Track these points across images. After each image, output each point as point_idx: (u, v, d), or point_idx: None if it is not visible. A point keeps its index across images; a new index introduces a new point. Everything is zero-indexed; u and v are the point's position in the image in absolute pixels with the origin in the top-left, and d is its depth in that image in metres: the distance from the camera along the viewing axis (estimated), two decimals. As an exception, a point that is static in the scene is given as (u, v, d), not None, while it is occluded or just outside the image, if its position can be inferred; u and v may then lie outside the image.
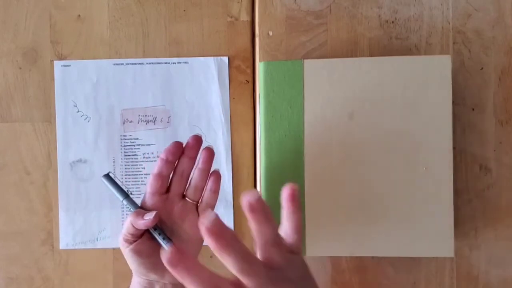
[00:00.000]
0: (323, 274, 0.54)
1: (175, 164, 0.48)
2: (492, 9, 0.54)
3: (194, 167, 0.48)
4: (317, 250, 0.50)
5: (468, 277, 0.54)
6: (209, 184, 0.48)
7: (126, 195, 0.48)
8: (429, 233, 0.49)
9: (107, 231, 0.55)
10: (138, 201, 0.48)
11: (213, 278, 0.34)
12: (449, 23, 0.54)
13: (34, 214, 0.55)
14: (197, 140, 0.48)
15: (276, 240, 0.37)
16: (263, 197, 0.51)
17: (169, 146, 0.47)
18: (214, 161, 0.55)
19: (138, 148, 0.55)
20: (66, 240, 0.55)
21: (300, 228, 0.41)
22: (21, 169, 0.55)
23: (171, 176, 0.48)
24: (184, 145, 0.48)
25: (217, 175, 0.49)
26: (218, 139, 0.55)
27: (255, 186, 0.55)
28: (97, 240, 0.55)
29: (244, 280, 0.34)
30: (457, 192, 0.53)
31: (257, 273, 0.35)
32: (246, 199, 0.36)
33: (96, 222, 0.55)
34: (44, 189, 0.55)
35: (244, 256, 0.34)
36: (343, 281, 0.54)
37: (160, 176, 0.46)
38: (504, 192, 0.54)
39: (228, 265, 0.34)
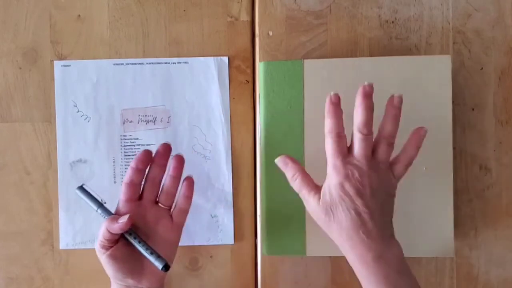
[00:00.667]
0: (323, 274, 0.54)
1: (147, 172, 0.49)
2: (492, 9, 0.54)
3: (166, 173, 0.50)
4: (317, 250, 0.50)
5: (468, 277, 0.54)
6: (182, 189, 0.50)
7: (100, 204, 0.49)
8: (429, 233, 0.49)
9: (107, 231, 0.55)
10: (113, 210, 0.49)
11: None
12: (449, 23, 0.54)
13: (34, 214, 0.55)
14: (166, 148, 0.50)
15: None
16: (264, 196, 0.51)
17: (138, 155, 0.48)
18: (214, 161, 0.55)
19: (138, 148, 0.55)
20: (66, 240, 0.55)
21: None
22: (21, 169, 0.55)
23: (143, 183, 0.49)
24: (153, 153, 0.50)
25: (190, 181, 0.50)
26: (218, 139, 0.55)
27: (255, 186, 0.55)
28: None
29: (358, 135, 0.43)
30: (457, 192, 0.53)
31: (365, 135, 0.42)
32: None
33: (96, 222, 0.55)
34: (44, 189, 0.55)
35: (369, 116, 0.43)
36: (343, 281, 0.54)
37: (132, 184, 0.48)
38: (504, 192, 0.54)
39: (357, 117, 0.43)
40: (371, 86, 0.43)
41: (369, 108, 0.42)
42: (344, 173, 0.42)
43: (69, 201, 0.55)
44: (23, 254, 0.55)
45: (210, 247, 0.56)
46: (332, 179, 0.43)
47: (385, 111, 0.44)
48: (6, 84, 0.55)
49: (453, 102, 0.49)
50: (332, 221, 0.43)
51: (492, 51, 0.54)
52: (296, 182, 0.45)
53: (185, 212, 0.50)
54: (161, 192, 0.50)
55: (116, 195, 0.55)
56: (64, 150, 0.55)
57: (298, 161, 0.47)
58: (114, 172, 0.55)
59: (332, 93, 0.44)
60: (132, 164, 0.48)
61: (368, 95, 0.43)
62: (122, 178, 0.55)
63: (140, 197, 0.50)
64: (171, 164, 0.50)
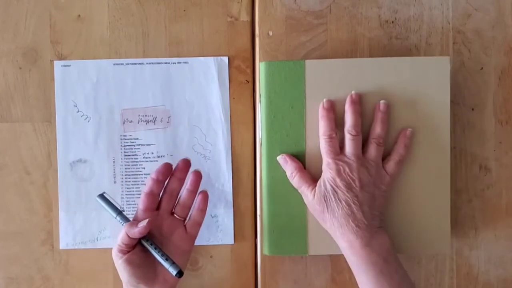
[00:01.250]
0: (323, 273, 0.54)
1: (165, 184, 0.51)
2: (492, 9, 0.54)
3: (183, 187, 0.52)
4: (318, 249, 0.50)
5: (468, 277, 0.54)
6: (197, 203, 0.52)
7: (119, 211, 0.51)
8: (427, 230, 0.50)
9: (107, 231, 0.55)
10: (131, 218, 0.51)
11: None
12: (449, 23, 0.54)
13: (34, 214, 0.55)
14: (186, 163, 0.53)
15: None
16: (264, 196, 0.51)
17: (159, 167, 0.50)
18: (214, 161, 0.55)
19: (138, 148, 0.55)
20: (66, 240, 0.55)
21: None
22: (21, 169, 0.55)
23: (161, 194, 0.51)
24: (173, 167, 0.52)
25: (205, 195, 0.52)
26: (218, 139, 0.55)
27: (255, 186, 0.55)
28: (97, 240, 0.55)
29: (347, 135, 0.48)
30: (457, 192, 0.54)
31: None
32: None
33: (96, 222, 0.55)
34: (44, 189, 0.55)
35: (357, 119, 0.48)
36: (343, 280, 0.54)
37: (151, 194, 0.50)
38: (504, 192, 0.54)
39: (347, 121, 0.48)
40: (357, 95, 0.48)
41: (357, 113, 0.48)
42: (336, 169, 0.47)
43: (69, 201, 0.55)
44: (23, 254, 0.55)
45: (210, 247, 0.56)
46: (326, 174, 0.47)
47: (374, 116, 0.49)
48: (6, 84, 0.55)
49: (453, 102, 0.49)
50: (325, 211, 0.47)
51: (492, 51, 0.54)
52: (295, 179, 0.49)
53: (198, 224, 0.52)
54: (177, 204, 0.52)
55: (116, 195, 0.55)
56: (64, 150, 0.55)
57: (297, 160, 0.49)
58: (114, 172, 0.55)
59: (324, 100, 0.49)
60: (153, 175, 0.50)
61: (355, 102, 0.48)
62: (122, 178, 0.55)
63: (158, 207, 0.51)
64: (189, 178, 0.52)
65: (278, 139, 0.50)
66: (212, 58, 0.55)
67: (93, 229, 0.55)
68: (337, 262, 0.54)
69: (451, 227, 0.50)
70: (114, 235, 0.55)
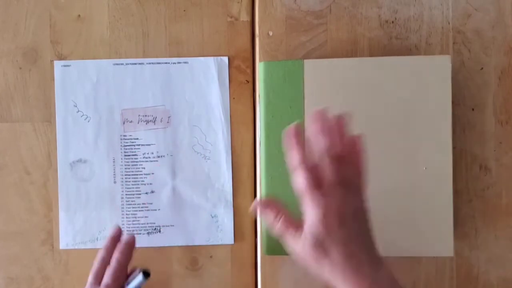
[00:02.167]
0: (323, 274, 0.54)
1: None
2: (492, 9, 0.54)
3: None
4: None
5: (468, 277, 0.54)
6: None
7: None
8: (429, 232, 0.49)
9: (107, 231, 0.55)
10: None
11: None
12: (449, 23, 0.54)
13: (34, 214, 0.55)
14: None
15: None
16: (264, 196, 0.51)
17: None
18: (214, 161, 0.55)
19: (138, 148, 0.55)
20: (66, 240, 0.55)
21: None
22: (21, 169, 0.55)
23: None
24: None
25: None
26: (218, 139, 0.55)
27: (255, 186, 0.55)
28: (97, 240, 0.55)
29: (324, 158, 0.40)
30: (457, 192, 0.53)
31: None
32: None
33: (96, 222, 0.55)
34: (44, 189, 0.55)
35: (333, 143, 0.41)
36: (343, 281, 0.54)
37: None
38: (504, 192, 0.54)
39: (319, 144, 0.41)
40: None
41: (331, 133, 0.41)
42: (324, 205, 0.39)
43: (69, 201, 0.55)
44: (23, 254, 0.55)
45: (210, 247, 0.56)
46: (312, 216, 0.40)
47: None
48: (6, 84, 0.55)
49: (453, 102, 0.49)
50: (322, 257, 0.39)
51: (492, 51, 0.54)
52: (278, 226, 0.42)
53: None
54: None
55: (116, 195, 0.55)
56: (64, 150, 0.55)
57: (281, 204, 0.44)
58: (114, 172, 0.55)
59: (292, 125, 0.42)
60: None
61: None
62: (122, 178, 0.55)
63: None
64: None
65: (277, 139, 0.50)
66: (212, 58, 0.55)
67: (93, 229, 0.55)
68: (337, 262, 0.54)
69: (451, 227, 0.50)
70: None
